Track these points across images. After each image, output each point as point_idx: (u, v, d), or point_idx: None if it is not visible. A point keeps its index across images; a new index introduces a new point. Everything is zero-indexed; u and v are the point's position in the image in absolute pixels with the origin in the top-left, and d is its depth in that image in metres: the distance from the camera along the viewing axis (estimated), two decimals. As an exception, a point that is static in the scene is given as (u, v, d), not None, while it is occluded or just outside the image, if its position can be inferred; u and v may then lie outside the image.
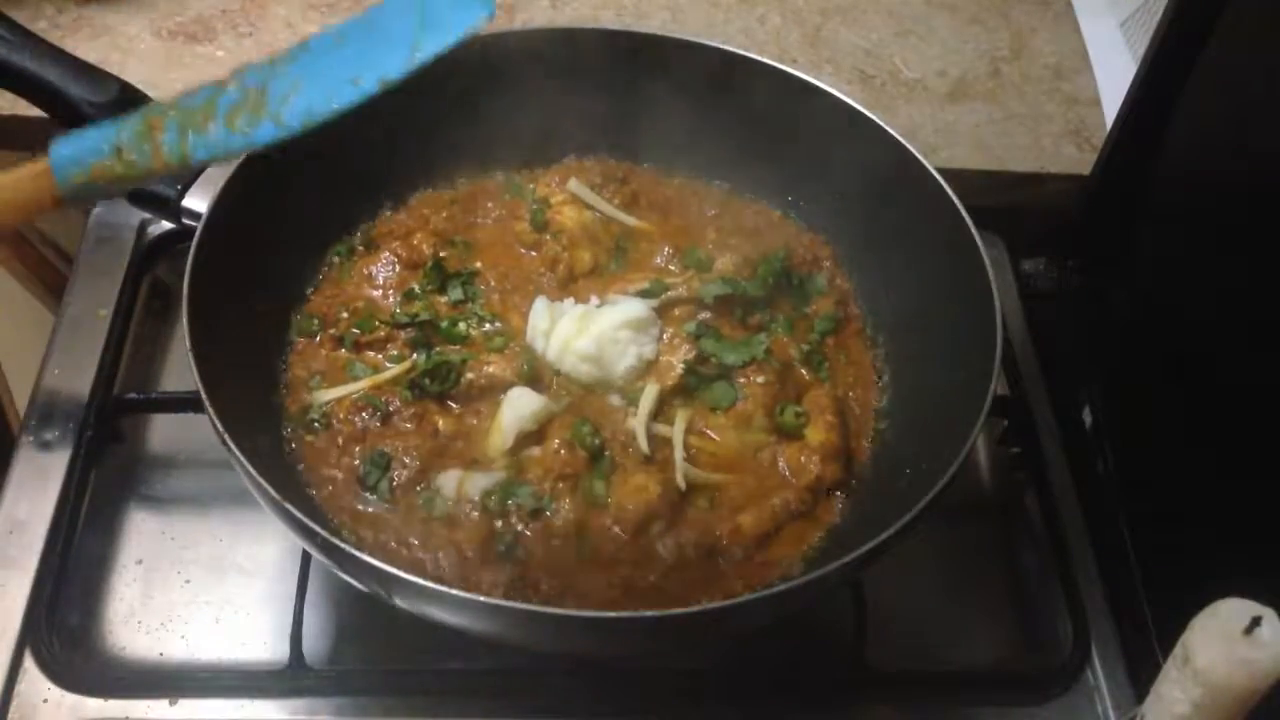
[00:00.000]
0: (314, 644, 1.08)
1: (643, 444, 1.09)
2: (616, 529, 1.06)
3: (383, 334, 1.17)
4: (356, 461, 1.09)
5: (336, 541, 0.91)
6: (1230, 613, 0.74)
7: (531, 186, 1.30)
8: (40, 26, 1.44)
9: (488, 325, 1.19)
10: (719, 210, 1.30)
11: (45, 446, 1.19)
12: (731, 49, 1.25)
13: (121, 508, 1.18)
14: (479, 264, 1.24)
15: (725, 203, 1.31)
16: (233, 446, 0.94)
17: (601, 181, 1.29)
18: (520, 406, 1.10)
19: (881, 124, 1.18)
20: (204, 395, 0.96)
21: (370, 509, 1.07)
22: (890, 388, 1.19)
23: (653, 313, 1.18)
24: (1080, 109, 1.51)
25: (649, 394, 1.13)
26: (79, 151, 0.92)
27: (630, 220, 1.28)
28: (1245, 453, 1.03)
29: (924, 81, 1.53)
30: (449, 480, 1.08)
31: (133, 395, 1.23)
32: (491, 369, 1.15)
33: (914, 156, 1.16)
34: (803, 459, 1.11)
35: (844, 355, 1.21)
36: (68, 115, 1.12)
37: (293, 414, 1.12)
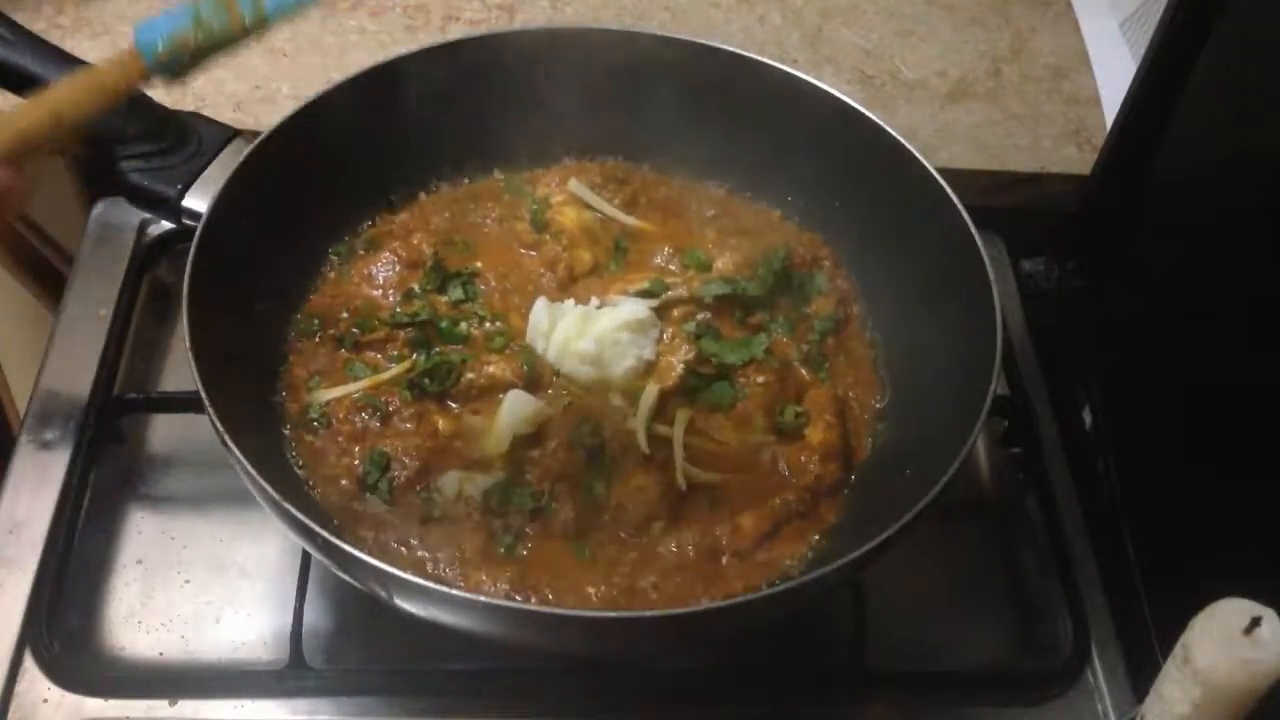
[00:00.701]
0: (314, 644, 1.08)
1: (643, 444, 1.09)
2: (616, 529, 1.06)
3: (383, 334, 1.17)
4: (356, 461, 1.09)
5: (336, 541, 0.91)
6: (1230, 613, 0.74)
7: (531, 187, 1.30)
8: (40, 27, 1.44)
9: (488, 325, 1.19)
10: (719, 210, 1.30)
11: (45, 446, 1.18)
12: (731, 49, 1.25)
13: (121, 508, 1.18)
14: (479, 264, 1.24)
15: (725, 203, 1.31)
16: (233, 446, 0.94)
17: (601, 181, 1.29)
18: (516, 410, 1.10)
19: (881, 124, 1.18)
20: (204, 395, 0.96)
21: (370, 509, 1.07)
22: (890, 388, 1.19)
23: (653, 315, 1.18)
24: (1080, 109, 1.51)
25: (649, 394, 1.13)
26: (159, 29, 0.99)
27: (630, 220, 1.28)
28: (1245, 453, 1.03)
29: (924, 81, 1.53)
30: (449, 480, 1.08)
31: (133, 395, 1.23)
32: (491, 369, 1.15)
33: (914, 156, 1.16)
34: (803, 459, 1.11)
35: (844, 355, 1.21)
36: (68, 115, 1.11)
37: (293, 414, 1.12)
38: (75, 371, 1.23)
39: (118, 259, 1.33)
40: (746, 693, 1.10)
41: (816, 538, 1.09)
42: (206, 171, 1.15)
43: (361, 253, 1.24)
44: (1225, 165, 1.11)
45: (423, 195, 1.29)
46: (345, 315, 1.18)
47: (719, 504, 1.09)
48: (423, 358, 1.15)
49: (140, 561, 1.14)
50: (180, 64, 1.00)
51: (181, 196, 1.13)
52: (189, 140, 1.14)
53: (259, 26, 1.00)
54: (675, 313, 1.20)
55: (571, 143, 1.32)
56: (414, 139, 1.26)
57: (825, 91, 1.22)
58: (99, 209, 1.38)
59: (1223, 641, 0.74)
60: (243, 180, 1.09)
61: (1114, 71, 1.53)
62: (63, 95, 0.98)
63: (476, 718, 1.07)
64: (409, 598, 0.93)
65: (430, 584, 0.90)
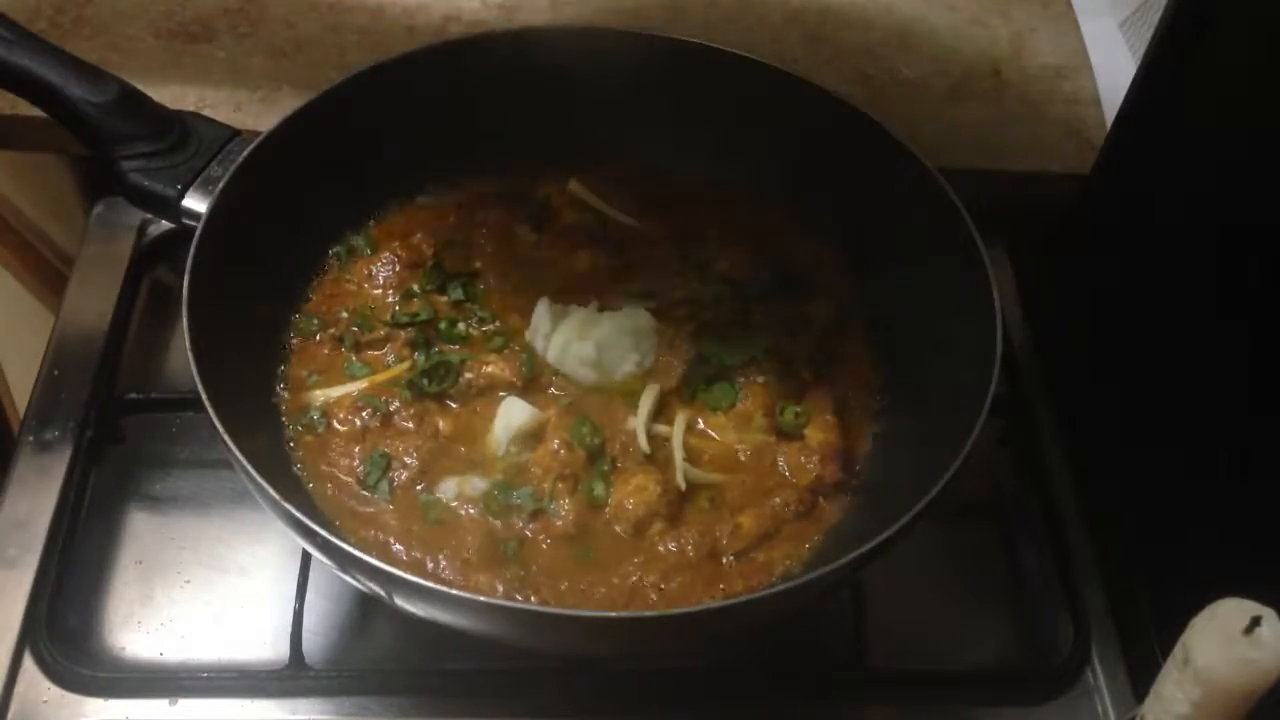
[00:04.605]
0: (314, 644, 1.08)
1: (643, 444, 1.10)
2: (617, 529, 1.06)
3: (383, 334, 1.17)
4: (356, 462, 1.09)
5: (336, 541, 0.91)
6: (1230, 613, 0.74)
7: (532, 187, 1.30)
8: (40, 27, 1.44)
9: (487, 325, 1.19)
10: (719, 210, 1.30)
11: (45, 446, 1.19)
12: (732, 49, 1.25)
13: (121, 508, 1.18)
14: (479, 264, 1.24)
15: (725, 203, 1.31)
16: (233, 446, 0.94)
17: (602, 182, 1.29)
18: (511, 416, 1.10)
19: (881, 124, 1.18)
20: (204, 395, 0.96)
21: (370, 509, 1.07)
22: (890, 388, 1.19)
23: (653, 319, 1.17)
24: (1080, 109, 1.51)
25: (649, 394, 1.13)
26: None
27: (630, 220, 1.28)
28: (1247, 453, 1.03)
29: (924, 81, 1.53)
30: (449, 480, 1.08)
31: (133, 395, 1.23)
32: (491, 369, 1.15)
33: (914, 156, 1.16)
34: (803, 459, 1.11)
35: (844, 355, 1.21)
36: (68, 115, 1.11)
37: (293, 414, 1.12)
38: (75, 371, 1.24)
39: (118, 259, 1.34)
40: (746, 693, 1.10)
41: (816, 538, 1.09)
42: (206, 171, 1.15)
43: (361, 253, 1.24)
44: (1225, 165, 1.11)
45: (422, 195, 1.29)
46: (345, 315, 1.18)
47: (719, 504, 1.09)
48: (422, 358, 1.15)
49: (140, 561, 1.14)
50: None
51: (181, 196, 1.13)
52: (189, 140, 1.14)
53: None
54: (675, 313, 1.20)
55: (572, 143, 1.32)
56: (414, 138, 1.26)
57: (825, 91, 1.22)
58: (99, 209, 1.38)
59: (1223, 641, 0.74)
60: (242, 180, 1.09)
61: (1114, 71, 1.53)
62: None
63: (476, 718, 1.07)
64: (409, 598, 0.93)
65: (430, 584, 0.90)
